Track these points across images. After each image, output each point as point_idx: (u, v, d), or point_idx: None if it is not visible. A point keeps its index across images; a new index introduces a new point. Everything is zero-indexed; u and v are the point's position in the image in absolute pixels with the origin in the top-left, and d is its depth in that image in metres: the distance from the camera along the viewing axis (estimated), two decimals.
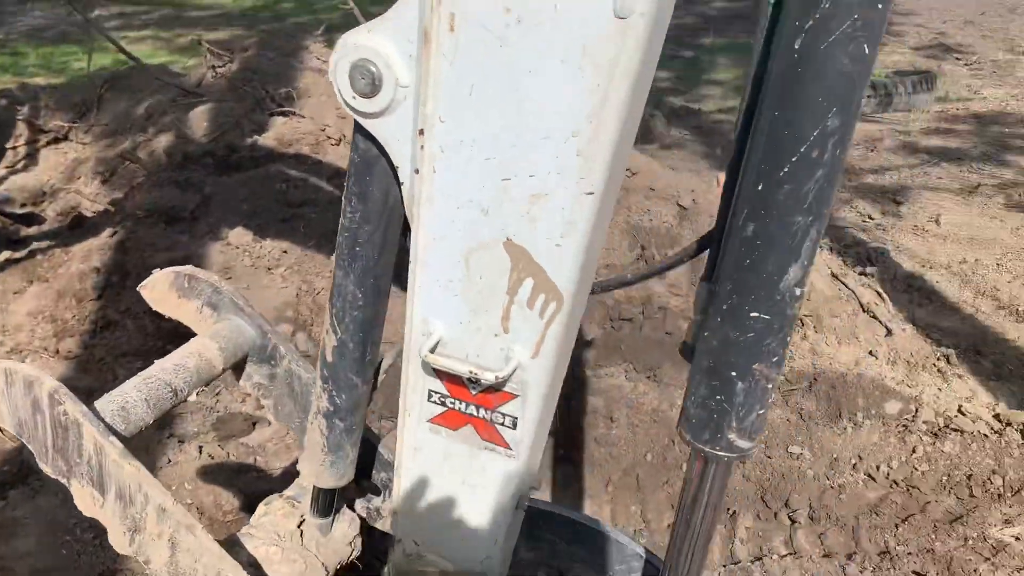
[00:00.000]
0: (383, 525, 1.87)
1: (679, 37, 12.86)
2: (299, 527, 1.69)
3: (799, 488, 3.13)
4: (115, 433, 1.49)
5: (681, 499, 1.35)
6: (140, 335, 3.54)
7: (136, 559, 1.54)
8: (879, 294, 4.53)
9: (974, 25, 14.52)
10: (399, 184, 1.27)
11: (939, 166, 7.58)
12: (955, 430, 3.48)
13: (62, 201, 5.51)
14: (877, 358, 3.99)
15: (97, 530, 2.68)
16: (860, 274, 4.95)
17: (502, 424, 1.35)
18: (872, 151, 7.98)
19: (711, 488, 1.31)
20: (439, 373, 1.35)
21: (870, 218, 6.36)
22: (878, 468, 3.27)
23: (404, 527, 1.53)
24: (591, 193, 1.16)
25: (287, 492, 1.80)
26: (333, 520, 1.70)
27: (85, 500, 1.52)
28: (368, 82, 1.19)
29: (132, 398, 1.58)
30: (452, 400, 1.36)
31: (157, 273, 1.90)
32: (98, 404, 1.54)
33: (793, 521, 3.01)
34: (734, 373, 1.19)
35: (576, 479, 3.20)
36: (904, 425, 3.48)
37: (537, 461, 1.46)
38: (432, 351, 1.31)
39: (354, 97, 1.21)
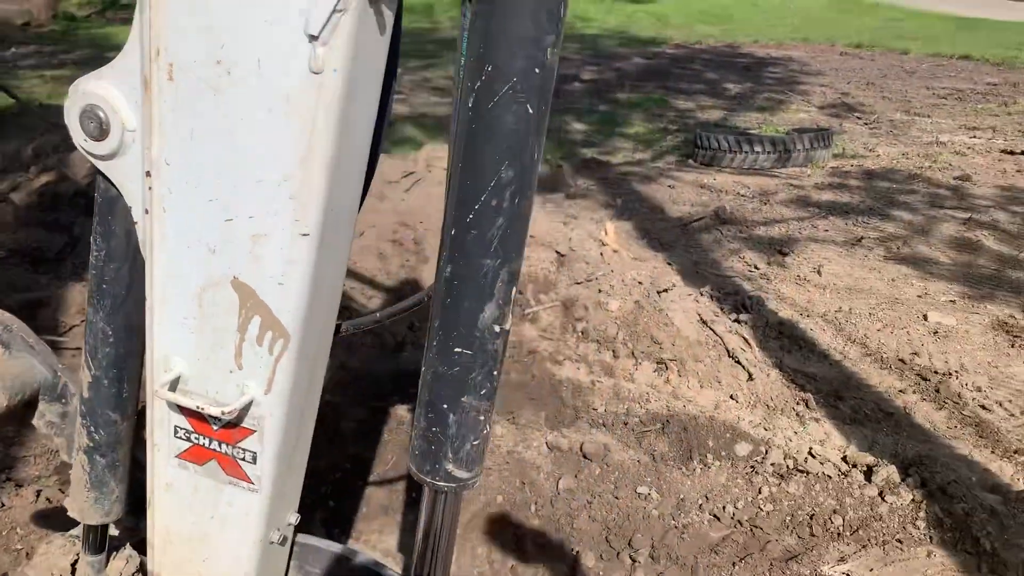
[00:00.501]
0: None
1: (598, 91, 13.27)
2: (72, 565, 1.68)
3: (643, 528, 3.21)
4: None
5: (416, 531, 1.41)
6: None
7: None
8: (746, 340, 4.70)
9: (875, 87, 15.30)
10: (135, 223, 1.32)
11: (827, 219, 7.92)
12: (802, 471, 3.62)
13: None
14: (737, 401, 4.13)
15: None
16: (734, 321, 5.13)
17: (243, 459, 1.39)
18: (765, 204, 8.31)
19: (442, 518, 1.36)
20: (183, 409, 1.38)
21: (755, 268, 6.60)
22: (724, 508, 3.38)
23: (160, 563, 1.54)
24: (307, 234, 1.22)
25: (72, 531, 1.80)
26: (108, 558, 1.70)
27: None
28: (96, 126, 1.24)
29: None
30: (196, 435, 1.40)
31: None
32: None
33: (634, 560, 3.08)
34: (446, 405, 1.26)
35: None
36: (752, 466, 3.60)
37: (288, 496, 1.50)
38: (173, 387, 1.35)
39: (86, 140, 1.26)
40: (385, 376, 3.86)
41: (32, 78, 11.73)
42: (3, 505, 2.92)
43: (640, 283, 4.66)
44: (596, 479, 3.38)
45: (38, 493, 3.00)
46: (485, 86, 1.08)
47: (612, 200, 8.03)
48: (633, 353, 4.20)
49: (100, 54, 14.87)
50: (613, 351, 4.21)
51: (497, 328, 1.22)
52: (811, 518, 3.40)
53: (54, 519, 2.93)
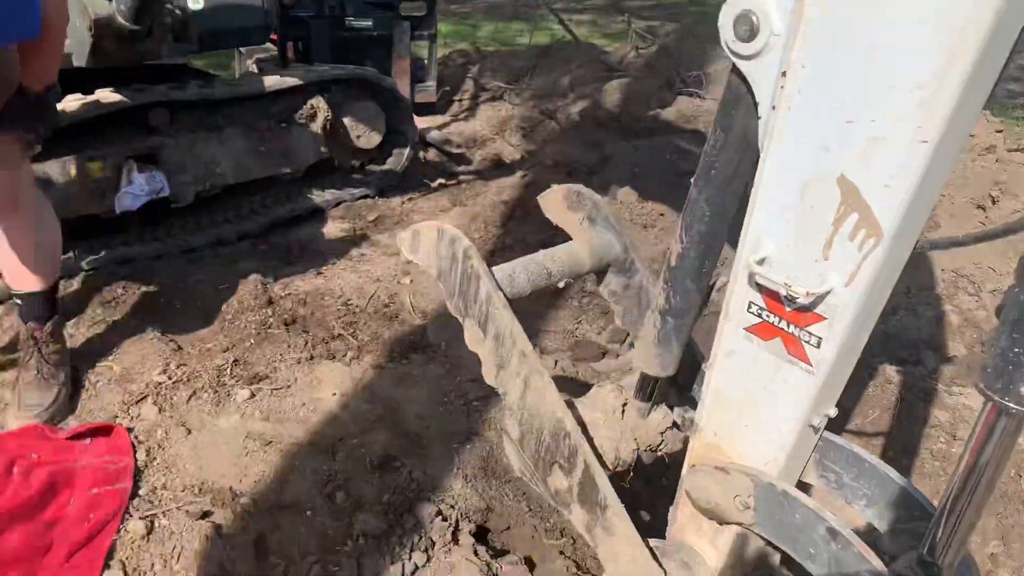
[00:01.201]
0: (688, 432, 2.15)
1: None
2: (622, 406, 2.02)
3: None
4: (501, 291, 1.94)
5: (965, 449, 1.43)
6: None
7: (497, 391, 1.99)
8: None
9: None
10: (757, 119, 1.51)
11: None
12: None
13: (489, 148, 6.48)
14: None
15: (465, 398, 3.28)
16: None
17: (808, 342, 1.54)
18: None
19: (998, 441, 1.37)
20: (760, 287, 1.57)
21: None
22: None
23: (707, 418, 1.78)
24: (926, 142, 1.30)
25: (621, 381, 2.14)
26: (651, 409, 2.01)
27: (472, 336, 1.99)
28: (747, 29, 1.44)
29: (518, 271, 2.03)
30: (767, 313, 1.58)
31: (554, 187, 2.34)
32: (494, 269, 2.00)
33: None
34: None
35: None
36: None
37: (836, 387, 1.62)
38: (759, 265, 1.54)
39: (734, 41, 1.47)
40: (876, 338, 3.77)
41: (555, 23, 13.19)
42: None
43: None
44: None
45: (556, 362, 3.56)
46: None
47: None
48: None
49: (618, 2, 16.10)
50: None
51: None
52: None
53: (566, 384, 3.46)
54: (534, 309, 3.92)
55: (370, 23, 6.98)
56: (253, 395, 3.19)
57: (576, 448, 1.82)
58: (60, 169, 3.83)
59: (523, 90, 7.77)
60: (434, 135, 6.66)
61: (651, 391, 1.97)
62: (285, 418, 3.10)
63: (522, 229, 4.45)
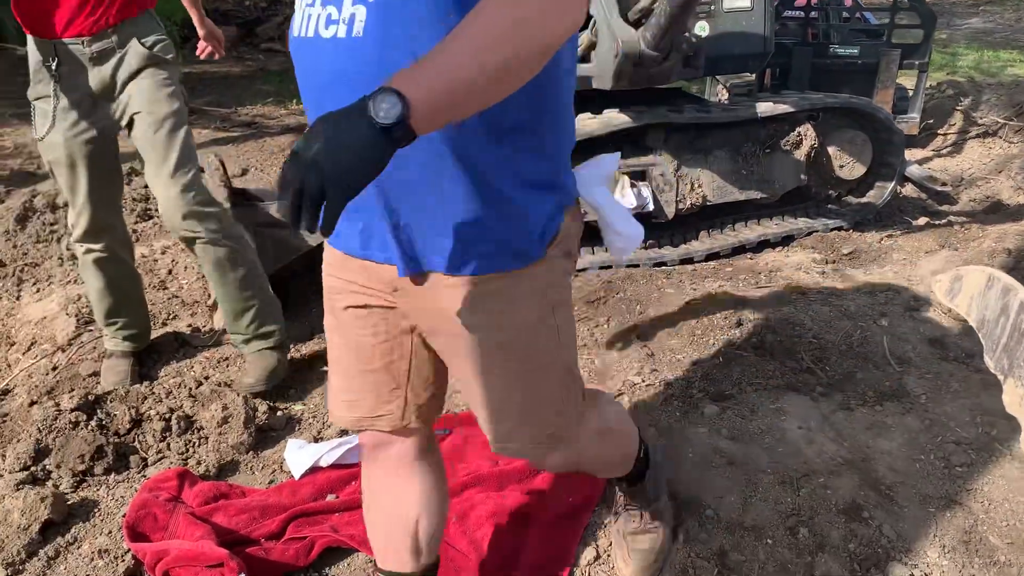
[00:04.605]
0: None
1: None
2: None
3: None
4: None
5: None
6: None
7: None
8: None
9: None
10: None
11: None
12: None
13: (980, 189, 5.83)
14: None
15: (947, 460, 2.99)
16: None
17: None
18: None
19: None
20: None
21: None
22: None
23: None
24: None
25: None
26: None
27: (1012, 398, 1.80)
28: None
29: None
30: None
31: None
32: None
33: None
34: None
35: None
36: None
37: None
38: None
39: None
40: None
41: None
42: None
43: None
44: None
45: None
46: None
47: None
48: None
49: None
50: None
51: None
52: None
53: None
54: None
55: (856, 51, 6.72)
56: (721, 412, 3.26)
57: None
58: None
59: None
60: (914, 170, 6.18)
61: None
62: (750, 441, 3.11)
63: None
